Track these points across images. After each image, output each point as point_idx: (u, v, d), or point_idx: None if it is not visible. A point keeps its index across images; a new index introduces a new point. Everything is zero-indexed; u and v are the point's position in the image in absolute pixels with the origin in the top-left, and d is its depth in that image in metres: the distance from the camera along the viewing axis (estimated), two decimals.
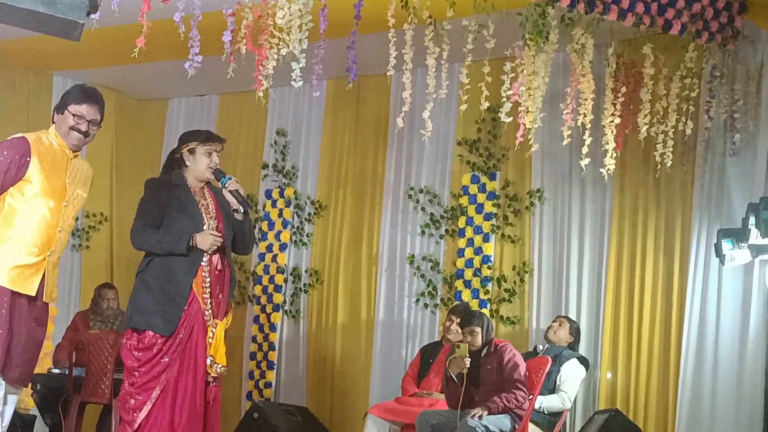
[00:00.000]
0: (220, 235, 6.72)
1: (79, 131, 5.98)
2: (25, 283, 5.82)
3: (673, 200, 9.12)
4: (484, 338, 8.28)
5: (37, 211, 5.85)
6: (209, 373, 6.67)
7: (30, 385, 7.11)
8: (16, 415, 6.19)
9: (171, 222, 6.68)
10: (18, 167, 5.82)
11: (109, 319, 10.41)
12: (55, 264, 6.01)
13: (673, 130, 8.12)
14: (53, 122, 6.05)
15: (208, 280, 6.67)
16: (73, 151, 6.04)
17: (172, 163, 6.93)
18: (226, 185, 6.78)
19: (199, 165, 6.82)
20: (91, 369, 9.18)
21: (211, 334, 6.63)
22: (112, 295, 10.59)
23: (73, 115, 5.96)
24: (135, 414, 6.54)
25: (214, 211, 6.83)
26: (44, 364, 9.76)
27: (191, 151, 6.83)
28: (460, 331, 8.69)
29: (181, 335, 6.56)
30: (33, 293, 5.84)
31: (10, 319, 5.78)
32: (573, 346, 9.01)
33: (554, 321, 9.15)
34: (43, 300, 5.93)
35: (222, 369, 6.71)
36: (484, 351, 8.26)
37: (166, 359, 6.56)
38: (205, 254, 6.65)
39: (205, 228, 6.69)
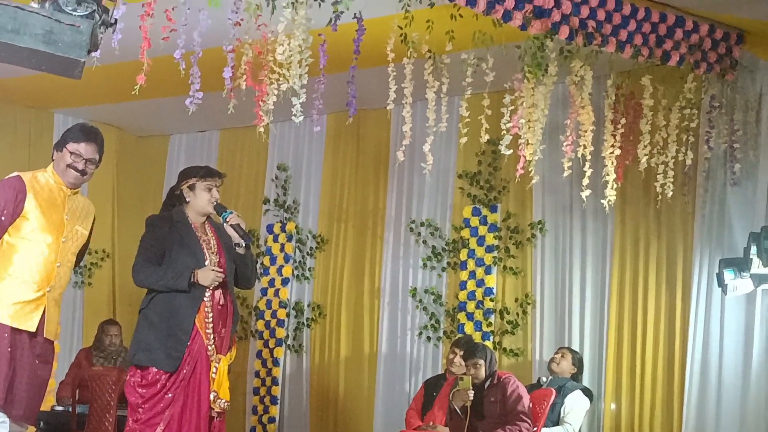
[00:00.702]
0: (222, 270, 6.72)
1: (76, 169, 5.98)
2: (24, 319, 5.81)
3: (674, 230, 9.12)
4: (488, 370, 8.28)
5: (35, 247, 5.86)
6: (213, 409, 6.66)
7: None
8: None
9: (173, 258, 6.68)
10: (14, 205, 5.84)
11: (112, 356, 10.41)
12: (57, 300, 6.00)
13: (673, 160, 8.13)
14: (53, 160, 6.07)
15: (211, 315, 6.66)
16: (71, 189, 6.05)
17: (173, 200, 6.94)
18: (228, 219, 6.79)
19: (200, 200, 6.82)
20: (94, 406, 9.16)
21: (214, 370, 6.63)
22: (116, 331, 10.59)
23: (71, 153, 5.97)
24: None
25: (216, 246, 6.84)
26: (47, 402, 9.74)
27: (191, 188, 6.84)
28: (463, 363, 8.68)
29: (184, 371, 6.56)
30: (33, 329, 5.84)
31: (12, 357, 5.78)
32: (576, 377, 9.00)
33: (557, 352, 9.14)
34: (45, 336, 5.93)
35: (225, 404, 6.70)
36: (488, 383, 8.26)
37: (170, 395, 6.55)
38: (207, 290, 6.65)
39: (207, 263, 6.70)
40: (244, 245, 6.84)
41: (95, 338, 10.65)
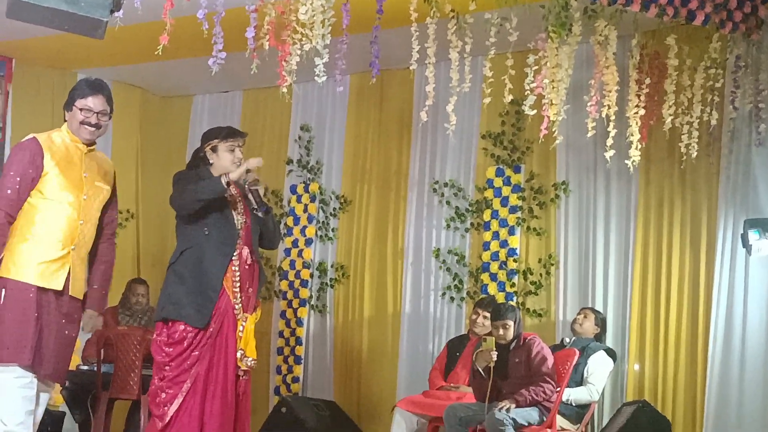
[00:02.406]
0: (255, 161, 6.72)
1: (89, 124, 5.99)
2: (51, 277, 5.86)
3: (698, 191, 9.10)
4: (516, 331, 8.28)
5: (57, 206, 5.90)
6: (239, 367, 6.67)
7: None
8: (46, 411, 6.21)
9: (203, 211, 6.64)
10: (34, 168, 5.87)
11: (138, 314, 10.45)
12: (83, 259, 6.04)
13: (697, 120, 8.10)
14: (65, 120, 6.09)
15: (238, 274, 6.65)
16: (87, 145, 6.06)
17: (197, 161, 6.91)
18: (248, 182, 6.73)
19: (223, 162, 6.78)
20: (119, 365, 9.21)
21: (241, 328, 6.63)
22: (143, 291, 10.62)
23: (81, 109, 5.98)
24: (166, 408, 6.52)
25: (242, 207, 6.81)
26: (73, 361, 9.80)
27: (214, 149, 6.79)
28: (487, 324, 8.69)
29: (211, 329, 6.55)
30: (60, 287, 5.88)
31: (39, 316, 5.82)
32: (599, 337, 8.99)
33: (579, 313, 9.13)
34: (71, 294, 5.97)
35: (252, 362, 6.69)
36: (513, 344, 8.26)
37: (197, 353, 6.54)
38: (236, 248, 6.64)
39: (235, 221, 6.67)
40: (263, 211, 6.80)
41: (122, 296, 10.68)
